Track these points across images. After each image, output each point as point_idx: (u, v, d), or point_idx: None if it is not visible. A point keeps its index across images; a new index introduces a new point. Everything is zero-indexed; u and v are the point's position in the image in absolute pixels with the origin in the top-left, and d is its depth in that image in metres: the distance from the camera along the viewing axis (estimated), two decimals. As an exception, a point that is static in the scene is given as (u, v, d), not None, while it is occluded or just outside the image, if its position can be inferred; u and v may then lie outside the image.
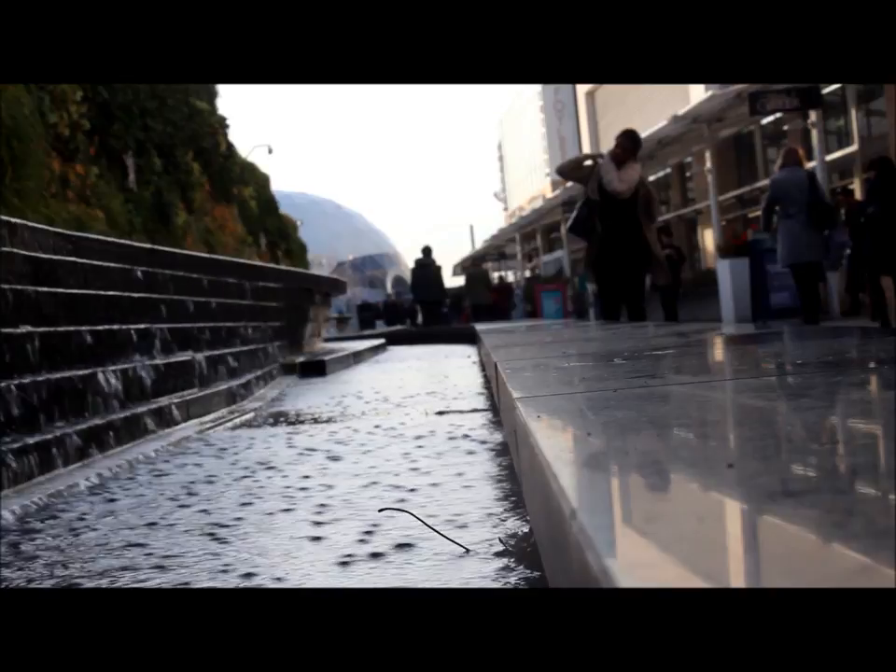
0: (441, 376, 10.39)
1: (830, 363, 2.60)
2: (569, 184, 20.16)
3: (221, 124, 13.57)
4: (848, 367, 2.56)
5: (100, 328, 4.76)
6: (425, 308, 23.00)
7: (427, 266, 22.03)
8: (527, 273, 31.33)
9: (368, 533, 2.14)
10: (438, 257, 23.12)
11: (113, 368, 4.61)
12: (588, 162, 8.23)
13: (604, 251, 7.96)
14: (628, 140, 8.01)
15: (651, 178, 19.87)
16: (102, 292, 5.18)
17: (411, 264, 24.69)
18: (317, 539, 2.15)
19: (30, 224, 4.81)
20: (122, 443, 4.07)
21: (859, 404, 1.74)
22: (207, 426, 5.05)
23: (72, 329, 4.45)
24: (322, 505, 2.58)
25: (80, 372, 4.17)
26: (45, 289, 4.39)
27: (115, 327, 5.01)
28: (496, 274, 36.62)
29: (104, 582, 1.79)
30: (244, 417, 5.47)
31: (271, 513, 2.53)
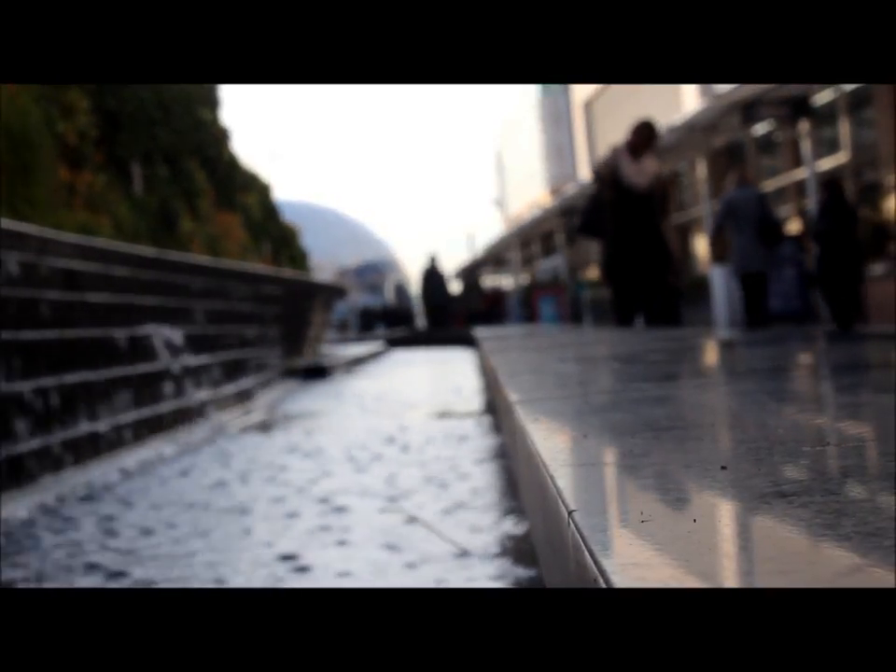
0: (441, 379, 10.39)
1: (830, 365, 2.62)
2: (567, 193, 20.15)
3: (223, 134, 13.58)
4: (839, 371, 2.59)
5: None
6: (433, 312, 24.47)
7: (435, 274, 24.20)
8: (525, 279, 31.35)
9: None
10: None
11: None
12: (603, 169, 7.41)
13: (618, 251, 7.28)
14: (645, 128, 7.29)
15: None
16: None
17: (410, 270, 26.11)
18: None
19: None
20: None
21: (849, 407, 1.78)
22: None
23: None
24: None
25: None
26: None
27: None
28: (495, 278, 36.74)
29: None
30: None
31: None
